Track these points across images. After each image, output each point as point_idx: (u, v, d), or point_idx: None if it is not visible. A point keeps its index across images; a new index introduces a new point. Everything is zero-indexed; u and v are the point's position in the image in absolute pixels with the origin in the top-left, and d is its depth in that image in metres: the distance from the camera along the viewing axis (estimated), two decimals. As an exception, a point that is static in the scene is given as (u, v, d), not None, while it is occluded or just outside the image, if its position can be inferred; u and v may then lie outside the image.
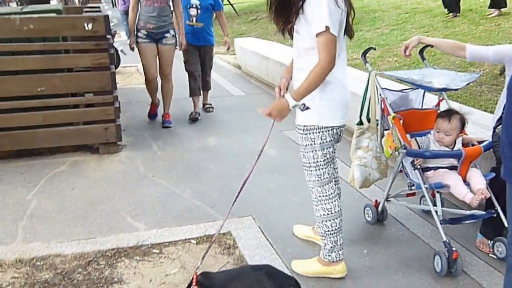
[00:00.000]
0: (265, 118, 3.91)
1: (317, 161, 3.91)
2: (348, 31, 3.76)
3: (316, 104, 3.73)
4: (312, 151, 3.89)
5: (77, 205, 5.37)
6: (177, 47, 8.12)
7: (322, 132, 3.81)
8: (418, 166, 4.42)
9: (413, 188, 4.57)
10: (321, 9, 3.44)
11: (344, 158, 6.33)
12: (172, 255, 4.46)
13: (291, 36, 3.83)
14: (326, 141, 3.85)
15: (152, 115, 8.56)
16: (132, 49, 7.91)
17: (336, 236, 4.04)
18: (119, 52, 11.99)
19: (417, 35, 4.81)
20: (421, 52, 5.10)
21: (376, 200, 5.03)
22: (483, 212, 4.38)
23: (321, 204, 4.02)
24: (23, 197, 5.56)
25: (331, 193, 4.00)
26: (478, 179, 4.29)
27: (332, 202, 4.00)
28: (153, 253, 4.47)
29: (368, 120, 4.78)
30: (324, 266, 4.12)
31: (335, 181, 4.22)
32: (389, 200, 4.91)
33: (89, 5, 12.68)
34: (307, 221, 4.89)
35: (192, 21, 8.33)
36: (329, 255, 4.09)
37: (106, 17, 6.52)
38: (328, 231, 4.03)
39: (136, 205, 5.38)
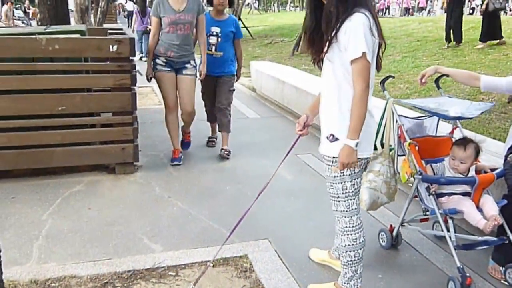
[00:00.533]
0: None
1: (346, 192, 3.83)
2: (377, 63, 3.72)
3: (345, 135, 3.60)
4: (341, 182, 3.81)
5: (93, 226, 5.35)
6: (198, 76, 7.41)
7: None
8: (433, 192, 4.45)
9: (427, 213, 4.60)
10: (358, 36, 3.41)
11: None
12: (188, 277, 4.42)
13: (320, 66, 3.81)
14: (355, 172, 3.77)
15: (184, 143, 8.08)
16: (149, 79, 7.29)
17: (357, 265, 4.00)
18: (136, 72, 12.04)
19: (434, 65, 4.91)
20: (436, 81, 5.22)
21: (391, 225, 5.05)
22: (495, 238, 4.44)
23: (347, 235, 3.95)
24: (38, 217, 5.53)
25: (358, 224, 3.94)
26: (491, 205, 4.33)
27: (358, 233, 3.94)
28: (169, 276, 4.44)
29: (382, 146, 4.83)
30: None
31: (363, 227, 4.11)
32: (403, 225, 4.94)
33: (108, 25, 12.80)
34: (323, 245, 4.89)
35: (211, 50, 7.59)
36: (347, 283, 4.05)
37: (132, 40, 6.56)
38: (351, 260, 3.98)
39: (152, 226, 5.36)
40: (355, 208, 3.90)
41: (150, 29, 7.43)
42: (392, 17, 38.32)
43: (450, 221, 4.47)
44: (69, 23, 12.49)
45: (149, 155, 7.62)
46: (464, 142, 4.52)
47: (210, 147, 8.21)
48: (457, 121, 4.93)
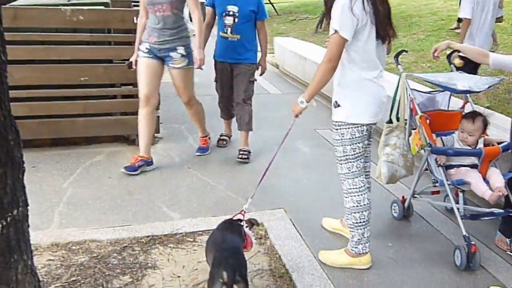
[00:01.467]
0: (302, 118, 4.41)
1: (347, 155, 4.13)
2: (380, 36, 3.96)
3: (346, 102, 4.05)
4: (342, 146, 4.13)
5: (113, 194, 5.45)
6: (192, 66, 6.28)
7: (351, 128, 4.05)
8: (442, 164, 4.52)
9: (437, 185, 4.70)
10: (335, 15, 3.86)
11: (372, 156, 6.40)
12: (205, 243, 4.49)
13: None
14: (355, 137, 4.07)
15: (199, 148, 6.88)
16: (130, 66, 6.19)
17: (364, 228, 4.20)
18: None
19: (447, 41, 4.94)
20: (448, 56, 5.27)
21: (403, 197, 5.13)
22: (501, 210, 4.55)
23: (351, 196, 4.20)
24: (59, 185, 5.65)
25: (361, 186, 4.18)
26: (497, 177, 4.43)
27: (361, 195, 4.18)
28: (187, 241, 4.52)
29: (397, 119, 4.92)
30: (351, 257, 4.27)
31: (366, 176, 4.41)
32: (415, 197, 5.04)
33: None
34: (336, 215, 4.98)
35: (227, 32, 6.46)
36: (356, 247, 4.24)
37: None
38: (357, 223, 4.19)
39: (171, 196, 5.44)
40: (356, 171, 4.16)
41: None
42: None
43: (460, 194, 4.66)
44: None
45: (170, 128, 7.69)
46: (473, 115, 4.62)
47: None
48: (468, 95, 5.00)
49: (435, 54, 4.73)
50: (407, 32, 15.12)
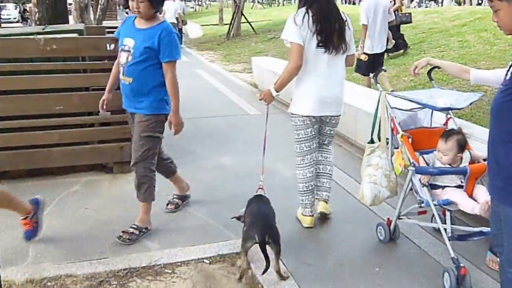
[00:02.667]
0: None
1: (299, 138, 5.27)
2: (325, 45, 4.93)
3: (293, 97, 5.21)
4: (296, 130, 5.27)
5: (90, 225, 5.36)
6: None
7: (295, 117, 5.19)
8: (426, 183, 4.46)
9: (422, 205, 4.58)
10: (285, 27, 5.03)
11: (355, 175, 6.38)
12: (184, 275, 4.43)
13: None
14: (298, 124, 5.20)
15: None
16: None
17: (303, 196, 5.37)
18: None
19: (426, 57, 4.93)
20: (429, 73, 5.26)
21: (388, 219, 5.03)
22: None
23: (297, 170, 5.39)
24: (36, 217, 5.53)
25: (304, 164, 5.32)
26: (483, 195, 4.32)
27: (303, 170, 5.33)
28: (166, 273, 4.44)
29: (379, 139, 4.91)
30: (301, 214, 5.45)
31: (317, 162, 5.44)
32: (401, 218, 4.93)
33: (107, 24, 12.77)
34: (320, 244, 4.98)
35: (120, 72, 5.14)
36: (302, 209, 5.44)
37: None
38: (299, 191, 5.40)
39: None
40: (299, 151, 5.31)
41: None
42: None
43: (448, 214, 4.56)
44: (67, 21, 12.47)
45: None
46: (447, 134, 4.54)
47: (209, 144, 7.95)
48: (450, 112, 4.92)
49: (416, 71, 4.72)
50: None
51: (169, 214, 5.61)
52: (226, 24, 29.79)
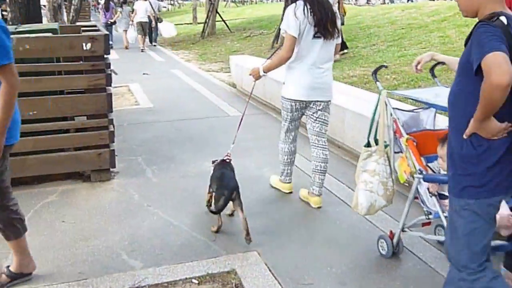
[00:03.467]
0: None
1: (283, 117, 5.82)
2: (320, 35, 5.37)
3: (285, 82, 5.63)
4: (282, 111, 5.80)
5: (67, 241, 4.96)
6: None
7: (286, 100, 5.65)
8: (435, 193, 4.10)
9: (430, 217, 4.22)
10: (284, 19, 5.42)
11: (346, 180, 6.28)
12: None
13: None
14: (286, 107, 5.69)
15: None
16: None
17: (284, 166, 6.02)
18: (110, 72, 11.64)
19: (430, 52, 4.51)
20: (432, 69, 4.88)
21: (391, 231, 4.64)
22: (506, 243, 3.96)
23: (281, 144, 5.96)
24: (8, 232, 5.13)
25: (287, 139, 5.90)
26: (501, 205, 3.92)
27: (286, 145, 5.92)
28: (151, 296, 4.08)
29: (376, 142, 4.53)
30: (279, 182, 6.17)
31: (313, 159, 5.77)
32: (404, 231, 4.53)
33: (83, 23, 12.38)
34: (314, 254, 4.64)
35: None
36: (281, 176, 6.11)
37: (106, 37, 6.20)
38: (280, 161, 6.02)
39: (131, 240, 4.98)
40: (288, 129, 5.83)
41: (111, 22, 6.64)
42: (372, 5, 38.01)
43: None
44: (41, 21, 12.08)
45: (126, 160, 7.23)
46: (444, 138, 4.15)
47: (190, 148, 7.66)
48: None
49: (418, 67, 4.34)
50: (367, 43, 14.96)
51: (151, 227, 5.23)
52: (200, 23, 29.49)
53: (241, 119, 6.22)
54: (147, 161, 7.16)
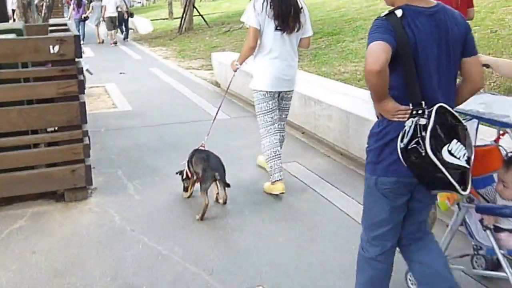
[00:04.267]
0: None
1: (257, 112, 5.84)
2: (282, 27, 5.50)
3: (254, 74, 5.80)
4: (255, 104, 5.83)
5: (39, 278, 4.21)
6: None
7: (255, 92, 5.76)
8: (491, 226, 3.38)
9: (480, 251, 3.59)
10: (245, 10, 5.65)
11: (351, 192, 5.79)
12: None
13: None
14: (258, 99, 5.75)
15: None
16: None
17: (271, 162, 5.76)
18: (85, 71, 10.83)
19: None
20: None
21: None
22: None
23: (263, 139, 5.82)
24: (-32, 267, 4.39)
25: (269, 133, 5.78)
26: None
27: (269, 138, 5.78)
28: None
29: None
30: (270, 185, 5.83)
31: (277, 134, 5.85)
32: None
33: (53, 21, 11.56)
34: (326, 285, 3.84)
35: None
36: (271, 176, 5.77)
37: (77, 38, 5.42)
38: (266, 158, 5.82)
39: (114, 274, 4.25)
40: (267, 122, 5.76)
41: (85, 17, 6.45)
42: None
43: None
44: (7, 20, 11.23)
45: (104, 174, 6.46)
46: (509, 160, 3.50)
47: (175, 157, 6.74)
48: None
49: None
50: (354, 36, 14.41)
51: (136, 258, 4.49)
52: (176, 18, 28.99)
53: (217, 112, 6.56)
54: (128, 175, 6.41)
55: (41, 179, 5.55)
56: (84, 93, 5.59)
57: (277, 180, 5.71)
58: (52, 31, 6.39)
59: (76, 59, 5.46)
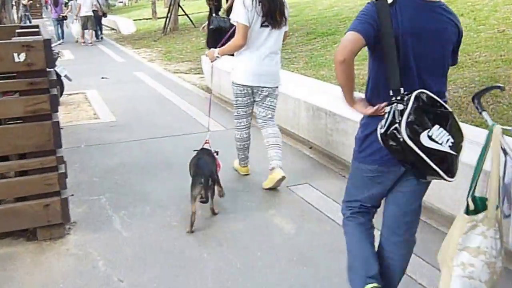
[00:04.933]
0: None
1: (234, 104, 6.01)
2: (270, 23, 5.56)
3: (235, 68, 5.85)
4: (234, 97, 5.95)
5: None
6: None
7: (235, 86, 5.86)
8: None
9: None
10: (234, 10, 5.58)
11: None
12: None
13: None
14: (236, 92, 5.87)
15: None
16: None
17: (241, 152, 6.18)
18: (63, 78, 9.88)
19: None
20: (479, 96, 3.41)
21: None
22: None
23: (236, 131, 6.09)
24: None
25: (241, 126, 6.03)
26: None
27: (240, 132, 6.04)
28: None
29: (484, 206, 2.93)
30: (238, 166, 6.37)
31: (266, 136, 5.95)
32: None
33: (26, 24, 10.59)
34: None
35: None
36: (239, 162, 6.29)
37: (47, 42, 4.42)
38: (237, 147, 6.17)
39: None
40: (240, 115, 5.98)
41: (62, 16, 5.78)
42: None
43: None
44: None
45: (85, 202, 5.51)
46: None
47: (167, 180, 6.05)
48: None
49: None
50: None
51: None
52: (160, 18, 28.36)
53: (209, 103, 6.41)
54: (114, 203, 5.46)
55: (7, 216, 4.58)
56: (57, 111, 4.61)
57: (242, 166, 6.32)
58: (20, 34, 5.39)
59: (48, 69, 4.49)
